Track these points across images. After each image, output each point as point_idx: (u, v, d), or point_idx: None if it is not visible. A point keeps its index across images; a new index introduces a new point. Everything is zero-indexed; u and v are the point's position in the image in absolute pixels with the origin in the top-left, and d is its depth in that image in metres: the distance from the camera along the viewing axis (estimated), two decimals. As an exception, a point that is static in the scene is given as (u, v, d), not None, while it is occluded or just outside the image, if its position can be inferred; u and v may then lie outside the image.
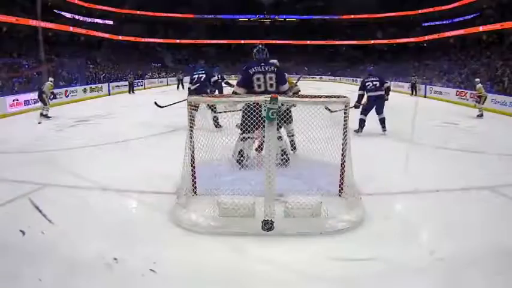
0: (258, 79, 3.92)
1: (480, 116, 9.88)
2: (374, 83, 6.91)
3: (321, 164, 3.73)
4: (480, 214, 3.23)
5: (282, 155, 3.95)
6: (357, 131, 6.84)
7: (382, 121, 6.98)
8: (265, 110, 2.66)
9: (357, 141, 4.98)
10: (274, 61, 4.50)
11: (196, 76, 6.71)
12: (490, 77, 17.09)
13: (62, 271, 2.31)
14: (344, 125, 3.31)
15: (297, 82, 5.66)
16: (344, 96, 3.22)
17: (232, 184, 3.40)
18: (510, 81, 15.11)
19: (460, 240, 2.73)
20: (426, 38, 30.53)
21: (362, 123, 6.96)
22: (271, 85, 3.94)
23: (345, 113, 3.32)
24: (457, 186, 3.91)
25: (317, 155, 3.43)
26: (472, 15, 26.98)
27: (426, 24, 32.22)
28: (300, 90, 5.36)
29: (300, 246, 2.63)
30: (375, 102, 6.93)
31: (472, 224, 3.02)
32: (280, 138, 3.95)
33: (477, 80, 10.79)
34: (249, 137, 3.89)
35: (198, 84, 6.64)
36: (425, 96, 16.58)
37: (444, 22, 29.99)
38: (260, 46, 4.19)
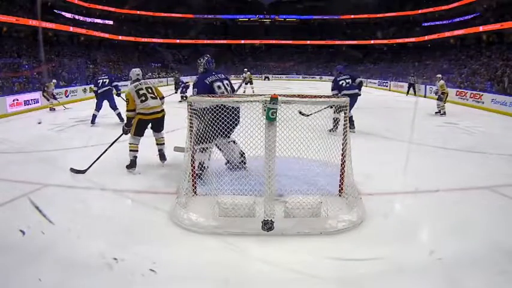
0: (219, 87, 3.85)
1: (443, 114, 9.66)
2: (347, 80, 6.72)
3: (321, 164, 3.73)
4: (480, 214, 3.23)
5: (241, 156, 3.91)
6: (332, 130, 6.01)
7: (350, 120, 6.61)
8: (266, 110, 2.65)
9: (357, 141, 4.98)
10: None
11: (101, 81, 8.22)
12: (490, 77, 17.08)
13: (62, 271, 2.31)
14: (344, 125, 3.32)
15: None
16: (343, 96, 3.22)
17: (232, 184, 3.40)
18: (510, 81, 15.08)
19: (460, 240, 2.73)
20: (426, 38, 30.47)
21: (338, 122, 6.22)
22: (230, 91, 3.92)
23: (345, 113, 3.32)
24: (457, 186, 3.92)
25: (317, 155, 3.42)
26: (472, 15, 26.96)
27: (426, 24, 32.17)
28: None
29: (300, 246, 2.63)
30: (350, 101, 6.67)
31: (472, 224, 3.02)
32: (234, 142, 3.88)
33: (439, 76, 10.41)
34: (208, 148, 3.68)
35: (106, 88, 8.19)
36: (425, 96, 16.55)
37: (444, 22, 29.95)
38: (208, 56, 4.12)
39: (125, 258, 2.41)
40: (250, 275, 2.31)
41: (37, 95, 11.53)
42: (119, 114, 8.27)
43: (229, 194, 3.12)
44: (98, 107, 8.16)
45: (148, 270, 2.28)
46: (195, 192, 3.45)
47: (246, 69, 17.42)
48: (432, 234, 2.98)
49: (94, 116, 8.12)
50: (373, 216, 3.06)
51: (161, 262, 2.38)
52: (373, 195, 3.56)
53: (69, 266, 2.35)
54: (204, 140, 3.43)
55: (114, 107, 8.39)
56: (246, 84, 15.93)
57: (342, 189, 3.45)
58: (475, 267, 2.37)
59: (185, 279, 2.26)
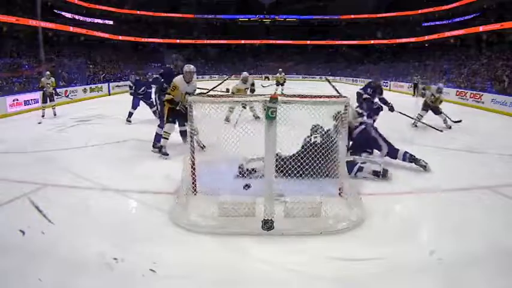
0: None
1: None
2: None
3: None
4: (480, 214, 3.23)
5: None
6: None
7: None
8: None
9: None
10: None
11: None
12: (490, 77, 17.07)
13: (62, 271, 2.31)
14: (344, 125, 3.31)
15: None
16: (344, 96, 3.22)
17: (232, 184, 3.40)
18: (510, 81, 15.09)
19: (460, 240, 2.72)
20: (426, 38, 30.47)
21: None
22: None
23: (345, 113, 3.32)
24: (457, 186, 3.91)
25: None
26: (472, 15, 26.96)
27: (426, 24, 32.17)
28: None
29: (300, 246, 2.63)
30: None
31: (472, 224, 3.02)
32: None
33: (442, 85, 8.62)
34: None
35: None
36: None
37: (444, 22, 29.96)
38: None
39: (125, 258, 2.41)
40: (250, 275, 2.31)
41: (37, 95, 11.51)
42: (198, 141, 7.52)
43: (229, 193, 3.11)
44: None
45: (148, 270, 2.28)
46: (195, 192, 3.44)
47: (280, 70, 15.28)
48: (432, 234, 2.98)
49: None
50: (373, 216, 3.06)
51: (161, 262, 2.38)
52: (373, 195, 3.55)
53: (69, 266, 2.35)
54: None
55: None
56: (277, 86, 14.30)
57: (342, 189, 3.45)
58: (475, 267, 2.37)
59: (185, 279, 2.25)
